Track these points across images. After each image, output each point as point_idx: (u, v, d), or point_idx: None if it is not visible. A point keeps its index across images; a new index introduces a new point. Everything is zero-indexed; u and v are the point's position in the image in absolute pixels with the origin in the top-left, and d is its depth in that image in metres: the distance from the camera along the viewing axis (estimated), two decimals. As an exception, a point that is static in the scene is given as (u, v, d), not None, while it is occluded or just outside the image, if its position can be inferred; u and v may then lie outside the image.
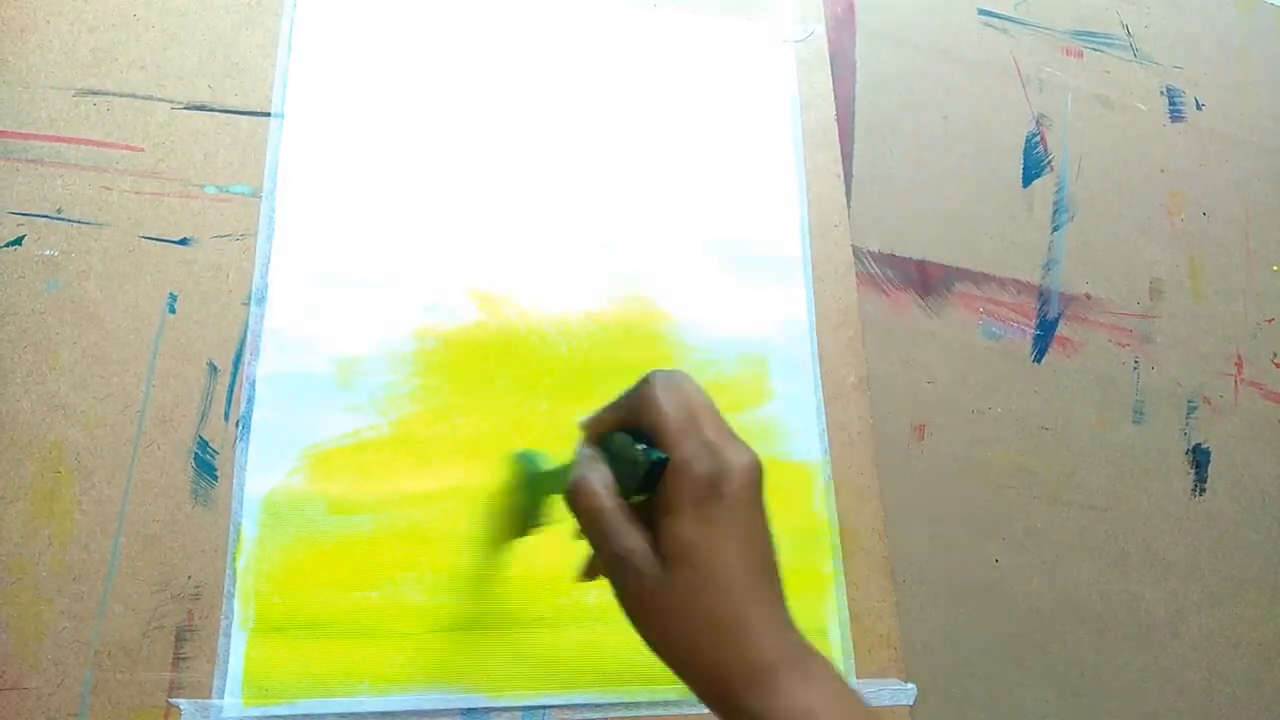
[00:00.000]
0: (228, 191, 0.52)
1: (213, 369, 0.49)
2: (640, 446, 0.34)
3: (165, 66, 0.54)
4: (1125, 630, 0.57)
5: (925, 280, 0.60)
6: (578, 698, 0.48)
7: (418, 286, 0.53)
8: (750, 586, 0.33)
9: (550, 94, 0.58)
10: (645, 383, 0.36)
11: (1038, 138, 0.66)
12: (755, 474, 0.35)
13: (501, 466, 0.47)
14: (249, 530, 0.47)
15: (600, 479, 0.35)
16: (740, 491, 0.34)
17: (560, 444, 0.52)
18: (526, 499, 0.45)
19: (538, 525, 0.45)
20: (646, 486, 0.34)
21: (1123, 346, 0.62)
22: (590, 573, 0.42)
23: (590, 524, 0.35)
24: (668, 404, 0.35)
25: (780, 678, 0.33)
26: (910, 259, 0.61)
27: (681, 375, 0.36)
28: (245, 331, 0.50)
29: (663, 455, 0.34)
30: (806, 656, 0.34)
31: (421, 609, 0.47)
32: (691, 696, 0.49)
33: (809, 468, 0.54)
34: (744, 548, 0.34)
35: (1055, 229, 0.64)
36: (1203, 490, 0.61)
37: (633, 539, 0.34)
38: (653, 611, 0.34)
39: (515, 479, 0.46)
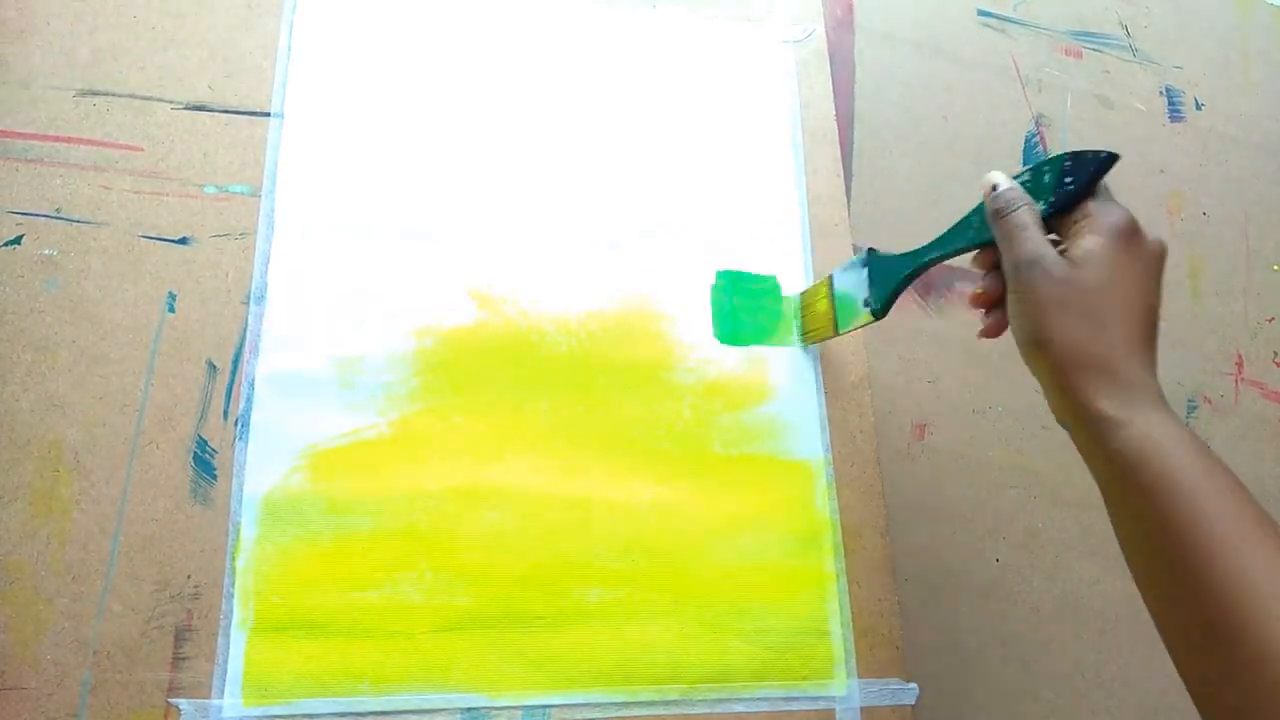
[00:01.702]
0: (227, 191, 0.52)
1: (212, 368, 0.49)
2: (1086, 151, 0.40)
3: (165, 67, 0.54)
4: (1125, 630, 0.56)
5: (925, 280, 0.60)
6: (578, 698, 0.48)
7: (418, 286, 0.53)
8: (1144, 319, 0.38)
9: (550, 94, 0.59)
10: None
11: (1037, 138, 0.66)
12: (1164, 250, 0.39)
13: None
14: (248, 530, 0.47)
15: (1025, 198, 0.40)
16: (1154, 249, 0.39)
17: (560, 444, 0.52)
18: (871, 285, 0.50)
19: (871, 314, 0.50)
20: (1085, 189, 0.39)
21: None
22: (992, 330, 0.44)
23: (1015, 230, 0.39)
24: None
25: (1150, 396, 0.36)
26: (910, 259, 0.61)
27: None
28: (244, 331, 0.50)
29: (1114, 152, 0.39)
30: (1166, 404, 0.37)
31: (421, 609, 0.47)
32: (692, 696, 0.49)
33: (810, 467, 0.54)
34: (1144, 290, 0.38)
35: (1055, 229, 0.64)
36: (1203, 490, 0.61)
37: (1047, 246, 0.39)
38: (1053, 304, 0.38)
39: (859, 270, 0.51)
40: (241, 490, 0.48)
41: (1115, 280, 0.37)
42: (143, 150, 0.52)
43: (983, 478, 0.57)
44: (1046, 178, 0.41)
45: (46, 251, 0.49)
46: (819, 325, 0.54)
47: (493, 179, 0.56)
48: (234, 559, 0.47)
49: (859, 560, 0.53)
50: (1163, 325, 0.63)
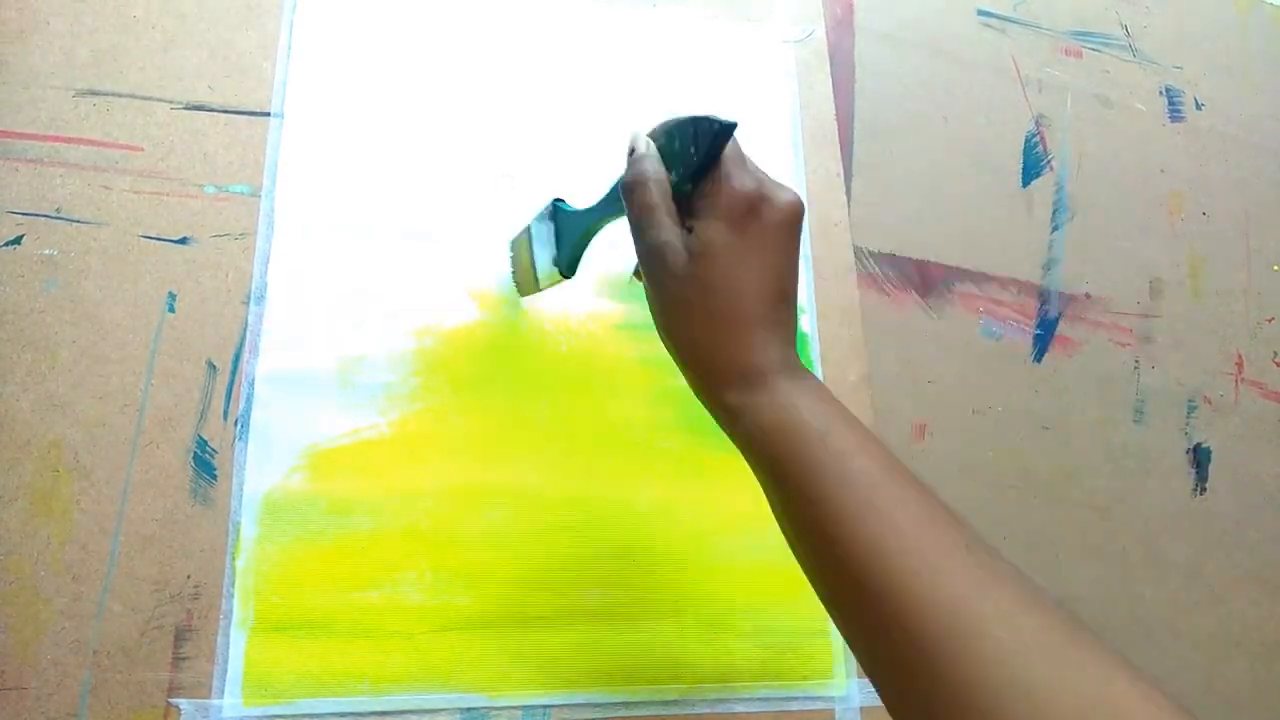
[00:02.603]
0: (227, 191, 0.52)
1: (212, 368, 0.49)
2: (707, 118, 0.37)
3: (165, 67, 0.54)
4: (1125, 630, 0.56)
5: (925, 280, 0.60)
6: (578, 698, 0.48)
7: (418, 286, 0.53)
8: (762, 302, 0.36)
9: (550, 94, 0.59)
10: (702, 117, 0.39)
11: (1037, 138, 0.66)
12: (796, 213, 0.37)
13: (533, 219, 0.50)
14: (248, 530, 0.47)
15: (655, 173, 0.38)
16: (777, 221, 0.37)
17: (560, 444, 0.52)
18: (557, 243, 0.48)
19: (560, 274, 0.48)
20: (708, 159, 0.37)
21: (1123, 346, 0.62)
22: (638, 274, 0.44)
23: (641, 214, 0.38)
24: (725, 140, 0.37)
25: (767, 378, 0.36)
26: (910, 259, 0.61)
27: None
28: (244, 331, 0.50)
29: (733, 120, 0.36)
30: (798, 371, 0.37)
31: (421, 609, 0.47)
32: (692, 696, 0.49)
33: (809, 467, 0.54)
34: (766, 270, 0.37)
35: (1055, 229, 0.64)
36: (1203, 490, 0.61)
37: (671, 233, 0.37)
38: (671, 301, 0.37)
39: (548, 223, 0.49)
40: (241, 490, 0.48)
41: (732, 271, 0.36)
42: (143, 150, 0.52)
43: (983, 478, 0.57)
44: (677, 144, 0.38)
45: (46, 251, 0.49)
46: (525, 279, 0.51)
47: (493, 179, 0.56)
48: (234, 559, 0.46)
49: (859, 560, 0.53)
50: (1163, 325, 0.63)
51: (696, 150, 0.37)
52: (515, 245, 0.53)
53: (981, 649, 0.28)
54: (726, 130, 0.36)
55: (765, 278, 0.37)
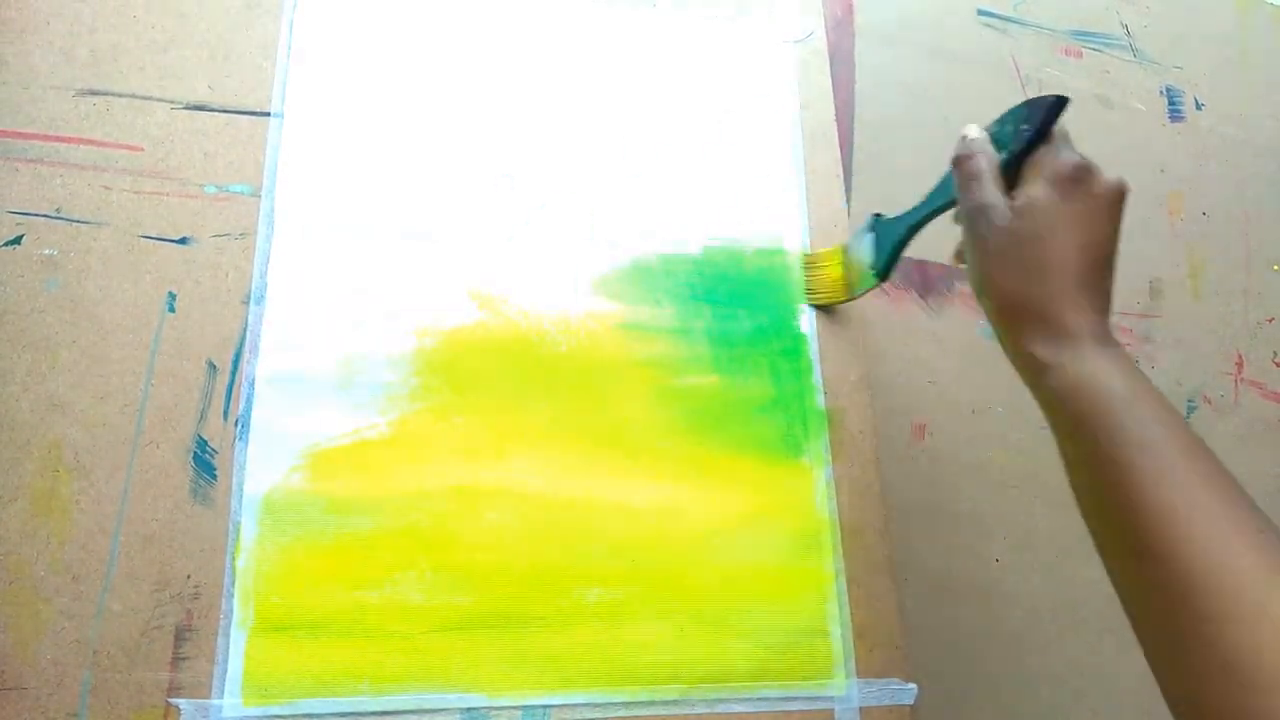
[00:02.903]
0: (227, 191, 0.52)
1: (212, 368, 0.49)
2: (1040, 97, 0.41)
3: (165, 66, 0.54)
4: (1125, 630, 0.56)
5: (925, 280, 0.60)
6: (578, 698, 0.48)
7: (418, 286, 0.53)
8: (1082, 263, 0.38)
9: (550, 94, 0.59)
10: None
11: (1037, 138, 0.66)
12: (1121, 191, 0.40)
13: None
14: (248, 530, 0.47)
15: (983, 148, 0.42)
16: (1100, 192, 0.39)
17: (560, 444, 0.52)
18: (875, 250, 0.53)
19: (876, 276, 0.52)
20: (1041, 131, 0.41)
21: (1123, 346, 0.62)
22: (959, 256, 0.46)
23: (969, 179, 0.41)
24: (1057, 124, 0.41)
25: (1078, 339, 0.37)
26: (910, 259, 0.61)
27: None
28: (245, 331, 0.50)
29: (1065, 96, 0.41)
30: (1109, 340, 0.38)
31: (421, 609, 0.47)
32: (692, 696, 0.49)
33: (809, 467, 0.54)
34: (1087, 234, 0.39)
35: (1055, 229, 0.64)
36: (1203, 490, 0.61)
37: (996, 195, 0.40)
38: (992, 253, 0.39)
39: (867, 235, 0.53)
40: (241, 490, 0.48)
41: (1054, 228, 0.38)
42: (143, 150, 0.52)
43: (983, 478, 0.57)
44: (1009, 126, 0.42)
45: (46, 251, 0.49)
46: (828, 288, 0.56)
47: (493, 179, 0.56)
48: (234, 559, 0.47)
49: (859, 560, 0.53)
50: (1163, 325, 0.63)
51: (1030, 127, 0.41)
52: (811, 258, 0.57)
53: (1259, 631, 0.30)
54: (1063, 102, 0.40)
55: (1086, 241, 0.38)
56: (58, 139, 0.51)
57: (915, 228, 0.50)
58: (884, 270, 0.52)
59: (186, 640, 0.45)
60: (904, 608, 0.53)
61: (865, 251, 0.53)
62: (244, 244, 0.52)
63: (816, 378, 0.56)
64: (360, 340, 0.51)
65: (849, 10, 0.65)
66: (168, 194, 0.51)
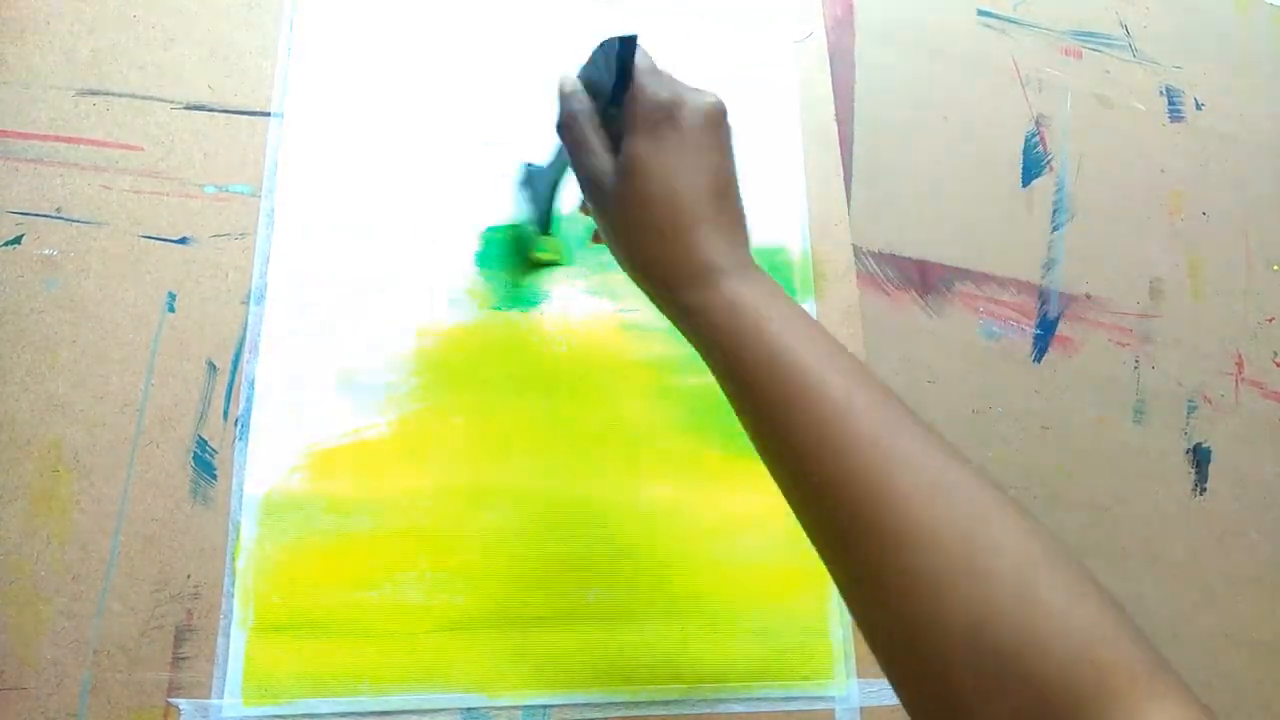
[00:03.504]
0: (227, 191, 0.52)
1: (212, 368, 0.49)
2: (612, 38, 0.38)
3: (165, 66, 0.54)
4: (1126, 630, 0.56)
5: (925, 280, 0.60)
6: (578, 698, 0.48)
7: (417, 286, 0.53)
8: (697, 203, 0.37)
9: (550, 94, 0.58)
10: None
11: (1037, 138, 0.66)
12: (715, 112, 0.38)
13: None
14: (248, 530, 0.47)
15: (580, 107, 0.39)
16: (696, 122, 0.37)
17: (560, 444, 0.52)
18: (532, 205, 0.50)
19: (541, 231, 0.50)
20: (621, 77, 0.38)
21: (1123, 346, 0.62)
22: (596, 237, 0.45)
23: (574, 148, 0.39)
24: (640, 57, 0.39)
25: (716, 276, 0.36)
26: (910, 259, 0.61)
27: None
28: (244, 331, 0.50)
29: (633, 33, 0.37)
30: (749, 267, 0.37)
31: (421, 609, 0.47)
32: (692, 696, 0.49)
33: (809, 467, 0.54)
34: (695, 171, 0.37)
35: (1055, 229, 0.64)
36: (1203, 490, 0.61)
37: (601, 159, 0.38)
38: (614, 222, 0.38)
39: (524, 190, 0.51)
40: (241, 490, 0.48)
41: (659, 177, 0.36)
42: (143, 150, 0.52)
43: (983, 478, 0.57)
44: (598, 73, 0.39)
45: (46, 251, 0.49)
46: (521, 257, 0.54)
47: (493, 179, 0.56)
48: (234, 559, 0.47)
49: (859, 560, 0.53)
50: (1163, 325, 0.63)
51: (611, 70, 0.38)
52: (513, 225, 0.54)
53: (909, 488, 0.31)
54: (628, 43, 0.37)
55: (694, 179, 0.37)
56: (58, 139, 0.51)
57: (557, 183, 0.48)
58: (544, 225, 0.50)
59: (186, 640, 0.45)
60: (904, 608, 0.53)
61: (527, 205, 0.51)
62: (244, 244, 0.52)
63: (816, 378, 0.56)
64: (360, 340, 0.51)
65: (849, 10, 0.65)
66: (168, 194, 0.51)
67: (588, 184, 0.39)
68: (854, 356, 0.35)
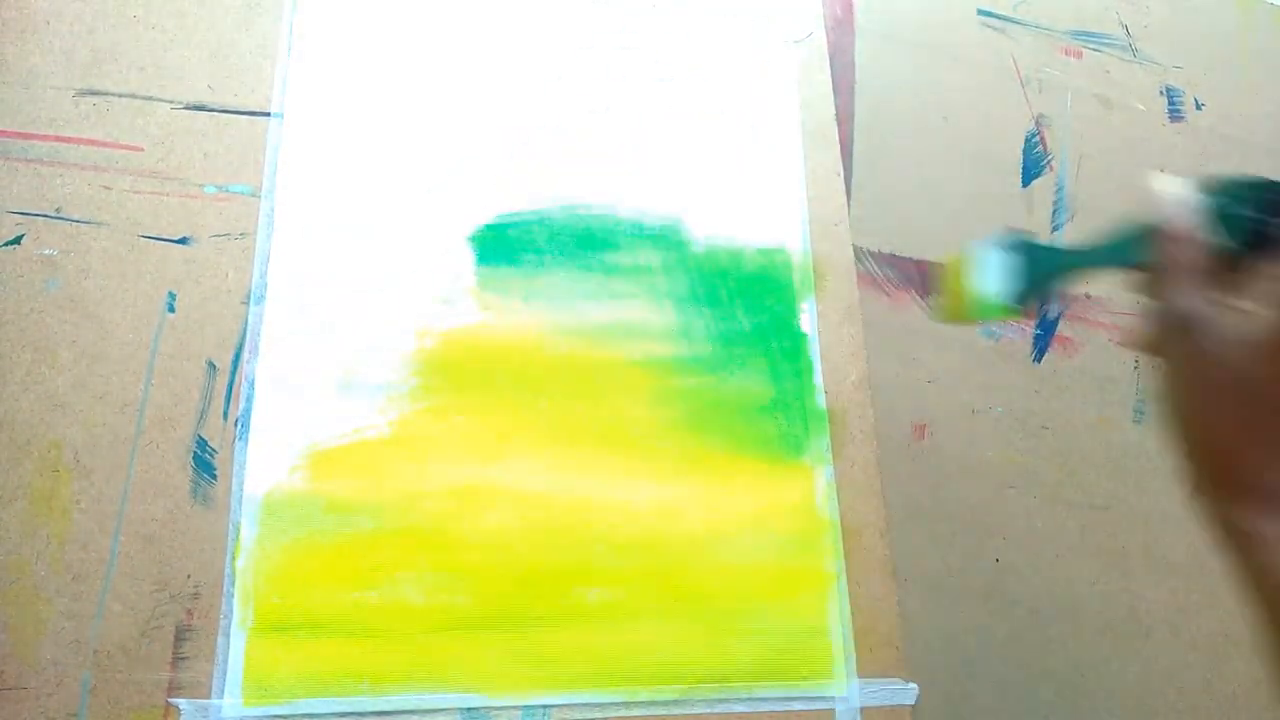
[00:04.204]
0: (227, 191, 0.52)
1: (212, 368, 0.49)
2: None
3: (165, 66, 0.54)
4: (1125, 630, 0.56)
5: (925, 280, 0.60)
6: (578, 698, 0.48)
7: (418, 286, 0.53)
8: None
9: (549, 94, 0.58)
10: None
11: (1037, 138, 0.66)
12: None
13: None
14: (248, 530, 0.47)
15: (1193, 227, 0.32)
16: None
17: (560, 444, 0.52)
18: (1029, 277, 0.41)
19: (1008, 307, 0.41)
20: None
21: (1123, 346, 0.62)
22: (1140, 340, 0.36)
23: (1170, 271, 0.32)
24: None
25: None
26: (910, 259, 0.61)
27: None
28: (244, 330, 0.50)
29: None
30: None
31: (421, 609, 0.47)
32: (692, 696, 0.49)
33: (810, 467, 0.54)
34: None
35: (1055, 229, 0.64)
36: (1203, 490, 0.61)
37: (1204, 303, 0.30)
38: (1192, 383, 0.31)
39: (1009, 254, 0.42)
40: (241, 490, 0.48)
41: None
42: (143, 150, 0.52)
43: (983, 478, 0.57)
44: (1239, 201, 0.32)
45: (46, 251, 0.49)
46: (955, 305, 0.45)
47: (493, 179, 0.56)
48: (234, 559, 0.46)
49: (859, 560, 0.53)
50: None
51: (1276, 219, 0.31)
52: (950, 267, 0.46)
53: None
54: None
55: None
56: (58, 139, 0.51)
57: (1074, 272, 0.41)
58: (1025, 302, 0.41)
59: (186, 640, 0.45)
60: (904, 608, 0.53)
61: (1006, 274, 0.43)
62: (244, 244, 0.52)
63: (816, 378, 0.56)
64: (360, 340, 0.51)
65: (849, 10, 0.65)
66: (168, 194, 0.51)
67: (1173, 323, 0.31)
68: None
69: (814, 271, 0.58)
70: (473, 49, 0.58)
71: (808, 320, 0.57)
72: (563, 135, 0.58)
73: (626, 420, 0.53)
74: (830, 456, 0.54)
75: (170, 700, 0.44)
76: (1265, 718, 0.57)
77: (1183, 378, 0.31)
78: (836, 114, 0.62)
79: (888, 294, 0.59)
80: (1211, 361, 0.30)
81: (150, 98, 0.53)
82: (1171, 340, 0.32)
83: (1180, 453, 0.32)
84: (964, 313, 0.44)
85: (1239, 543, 0.31)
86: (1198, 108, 0.70)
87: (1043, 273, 0.41)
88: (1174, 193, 0.33)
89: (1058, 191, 0.65)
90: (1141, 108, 0.69)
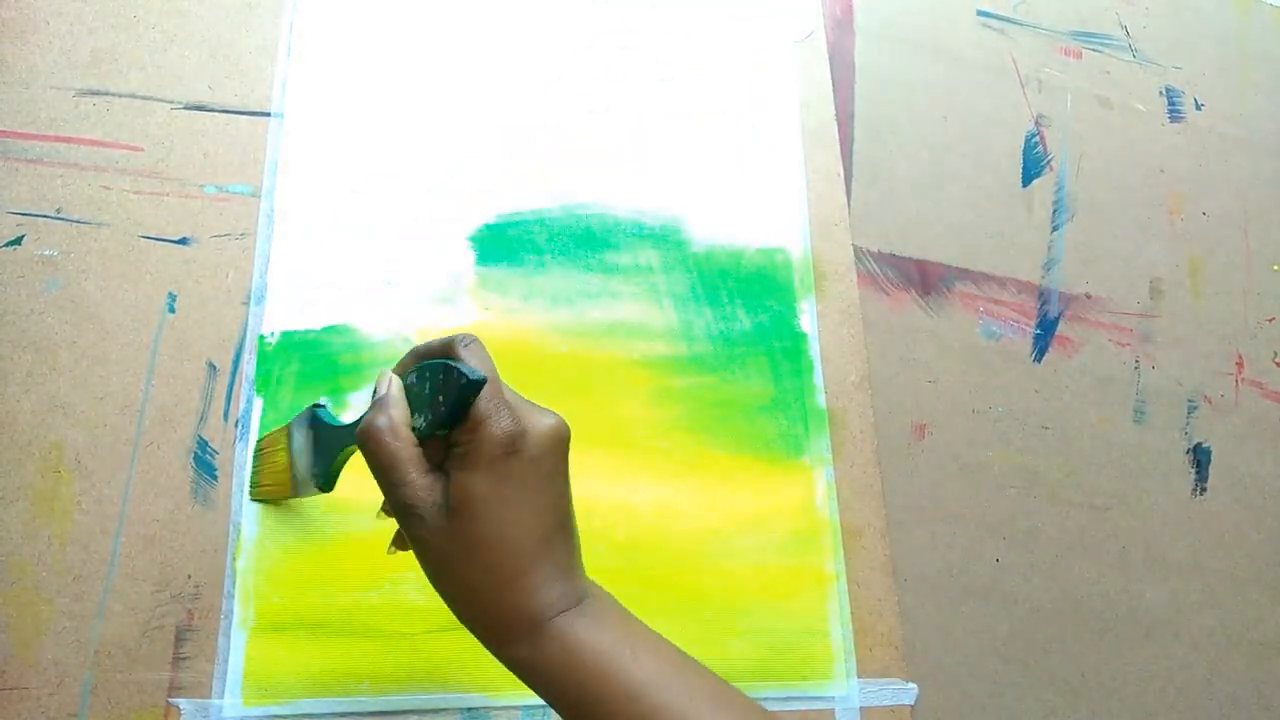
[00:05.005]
0: (227, 191, 0.52)
1: (212, 369, 0.49)
2: (455, 369, 0.34)
3: (165, 66, 0.54)
4: (1125, 630, 0.56)
5: (925, 280, 0.60)
6: (578, 698, 0.48)
7: (418, 286, 0.53)
8: (535, 546, 0.34)
9: (550, 94, 0.59)
10: (452, 341, 0.36)
11: (1037, 138, 0.66)
12: (558, 437, 0.35)
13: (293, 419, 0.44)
14: (249, 530, 0.47)
15: (392, 420, 0.34)
16: (539, 453, 0.34)
17: (560, 444, 0.52)
18: (314, 454, 0.43)
19: (317, 487, 0.43)
20: (456, 412, 0.34)
21: (1123, 346, 0.62)
22: (399, 543, 0.41)
23: (380, 469, 0.34)
24: (474, 359, 0.35)
25: (548, 623, 0.34)
26: (910, 259, 0.61)
27: (481, 343, 0.36)
28: (245, 331, 0.50)
29: (481, 375, 0.33)
30: (584, 597, 0.35)
31: (421, 609, 0.47)
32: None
33: (810, 467, 0.54)
34: (535, 509, 0.34)
35: (1055, 229, 0.64)
36: (1203, 490, 0.61)
37: (420, 490, 0.33)
38: (436, 560, 0.34)
39: (307, 429, 0.43)
40: (242, 490, 0.48)
41: (498, 520, 0.33)
42: (143, 150, 0.52)
43: (983, 478, 0.57)
44: (427, 388, 0.34)
45: (47, 252, 0.49)
46: (276, 481, 0.45)
47: (493, 179, 0.56)
48: (234, 559, 0.47)
49: (859, 560, 0.53)
50: (1163, 325, 0.63)
51: (445, 401, 0.34)
52: (263, 442, 0.47)
53: None
54: (474, 387, 0.33)
55: (535, 518, 0.34)
56: (58, 139, 0.51)
57: (350, 451, 0.41)
58: (326, 482, 0.42)
59: (186, 640, 0.45)
60: (904, 608, 0.53)
61: (306, 451, 0.43)
62: (243, 244, 0.52)
63: (817, 378, 0.56)
64: (360, 340, 0.51)
65: (849, 10, 0.65)
66: (168, 194, 0.51)
67: (402, 514, 0.34)
68: (710, 675, 0.34)
69: (814, 271, 0.58)
70: (473, 49, 0.58)
71: (808, 320, 0.57)
72: (563, 135, 0.58)
73: (626, 420, 0.53)
74: (830, 456, 0.54)
75: (170, 700, 0.44)
76: (1265, 718, 0.57)
77: (427, 557, 0.35)
78: (836, 114, 0.62)
79: (888, 294, 0.59)
80: (439, 534, 0.33)
81: (150, 98, 0.53)
82: (407, 526, 0.34)
83: (459, 617, 0.35)
84: (280, 492, 0.45)
85: (522, 672, 0.35)
86: (1198, 108, 0.70)
87: (334, 450, 0.41)
88: (379, 387, 0.35)
89: (1058, 191, 0.65)
90: (1141, 108, 0.69)
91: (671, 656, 0.35)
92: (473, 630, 0.35)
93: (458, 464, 0.34)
